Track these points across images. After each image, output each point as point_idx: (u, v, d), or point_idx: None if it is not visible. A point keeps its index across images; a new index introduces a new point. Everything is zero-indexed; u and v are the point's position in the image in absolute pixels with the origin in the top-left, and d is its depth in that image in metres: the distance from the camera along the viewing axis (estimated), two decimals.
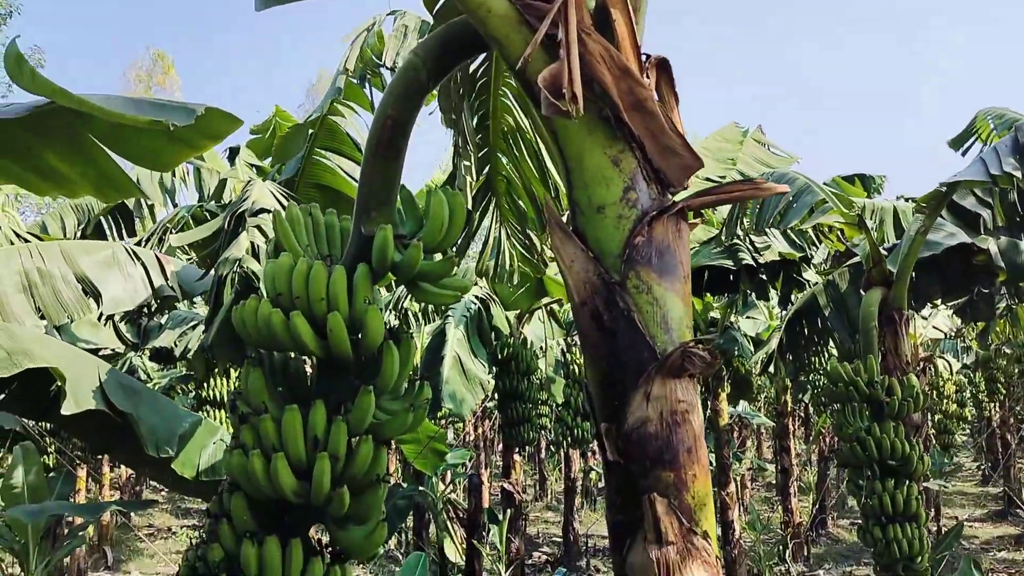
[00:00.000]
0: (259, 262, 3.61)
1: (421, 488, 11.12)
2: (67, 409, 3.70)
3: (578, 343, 10.24)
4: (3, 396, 4.01)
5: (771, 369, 6.44)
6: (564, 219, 1.78)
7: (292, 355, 1.92)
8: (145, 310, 6.56)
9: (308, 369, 1.97)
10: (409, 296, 8.40)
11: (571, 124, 1.69)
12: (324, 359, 1.80)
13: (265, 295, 1.79)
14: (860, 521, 4.65)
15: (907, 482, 4.39)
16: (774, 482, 20.37)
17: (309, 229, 1.90)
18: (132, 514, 18.03)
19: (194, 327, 8.32)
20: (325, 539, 1.88)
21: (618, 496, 1.62)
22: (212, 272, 4.00)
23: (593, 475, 16.74)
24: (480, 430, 19.27)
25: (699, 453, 1.62)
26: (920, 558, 4.36)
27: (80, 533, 7.66)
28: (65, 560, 10.60)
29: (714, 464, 8.92)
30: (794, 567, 10.53)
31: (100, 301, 4.49)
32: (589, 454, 18.57)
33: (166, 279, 4.84)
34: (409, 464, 13.25)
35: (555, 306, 9.05)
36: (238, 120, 1.99)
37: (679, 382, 1.62)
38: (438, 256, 1.87)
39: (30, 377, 4.15)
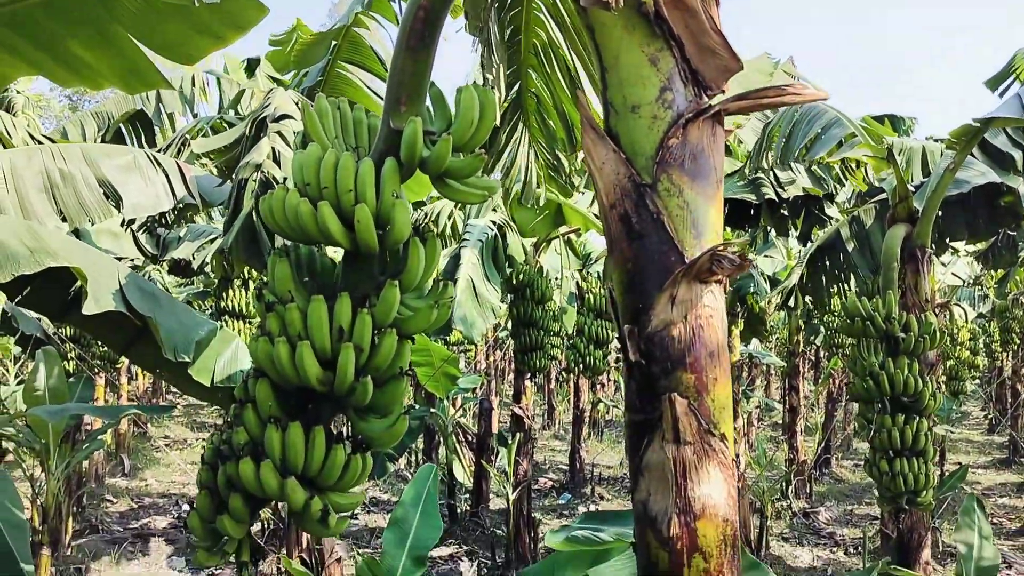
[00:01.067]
0: (280, 168, 3.60)
1: (432, 410, 11.31)
2: (88, 309, 3.74)
3: (593, 272, 10.23)
4: (25, 293, 4.07)
5: (790, 303, 6.43)
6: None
7: (318, 250, 1.92)
8: (165, 220, 6.59)
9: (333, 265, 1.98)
10: (428, 219, 8.39)
11: (609, 20, 1.65)
12: (350, 252, 1.80)
13: (292, 185, 1.78)
14: (865, 460, 4.69)
15: (917, 418, 4.41)
16: (780, 422, 20.57)
17: (337, 122, 1.88)
18: (149, 425, 18.47)
19: (212, 240, 8.35)
20: (347, 432, 1.91)
21: (638, 397, 1.63)
22: (232, 179, 3.98)
23: (601, 407, 16.96)
24: (491, 359, 19.45)
25: (721, 358, 1.62)
26: (924, 492, 4.40)
27: (99, 437, 7.85)
28: (84, 465, 10.91)
29: None
30: (796, 503, 10.70)
31: (121, 205, 4.50)
32: (599, 386, 18.78)
33: (187, 187, 4.83)
34: (421, 387, 13.45)
35: (573, 236, 9.02)
36: (264, 8, 1.95)
37: (705, 287, 1.61)
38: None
39: (52, 276, 4.19)
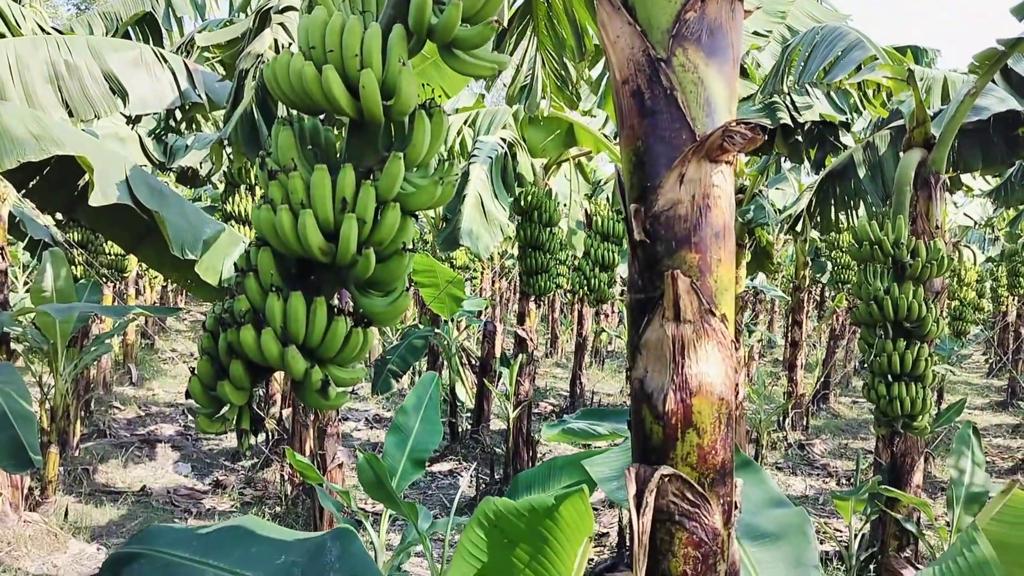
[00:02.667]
0: None
1: (437, 331, 11.39)
2: (95, 200, 3.73)
3: (602, 198, 10.16)
4: (33, 185, 4.06)
5: (798, 228, 6.38)
6: None
7: (322, 122, 1.89)
8: (172, 126, 6.52)
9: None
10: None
11: None
12: (355, 122, 1.77)
13: (297, 50, 1.74)
14: (864, 385, 4.72)
15: (918, 344, 4.42)
16: (781, 359, 20.71)
17: None
18: (156, 337, 18.69)
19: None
20: (348, 308, 1.91)
21: (640, 277, 1.62)
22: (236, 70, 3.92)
23: (604, 336, 17.06)
24: (496, 286, 19.51)
25: (726, 240, 1.60)
26: (920, 417, 4.44)
27: (107, 341, 7.94)
28: (92, 372, 11.07)
29: None
30: (792, 435, 10.84)
31: (126, 100, 4.45)
32: (603, 316, 18.86)
33: (193, 85, 4.77)
34: (426, 308, 13.52)
35: (583, 160, 8.92)
36: None
37: (715, 166, 1.58)
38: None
39: (60, 168, 4.18)
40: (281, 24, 3.60)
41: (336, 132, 1.97)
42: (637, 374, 1.61)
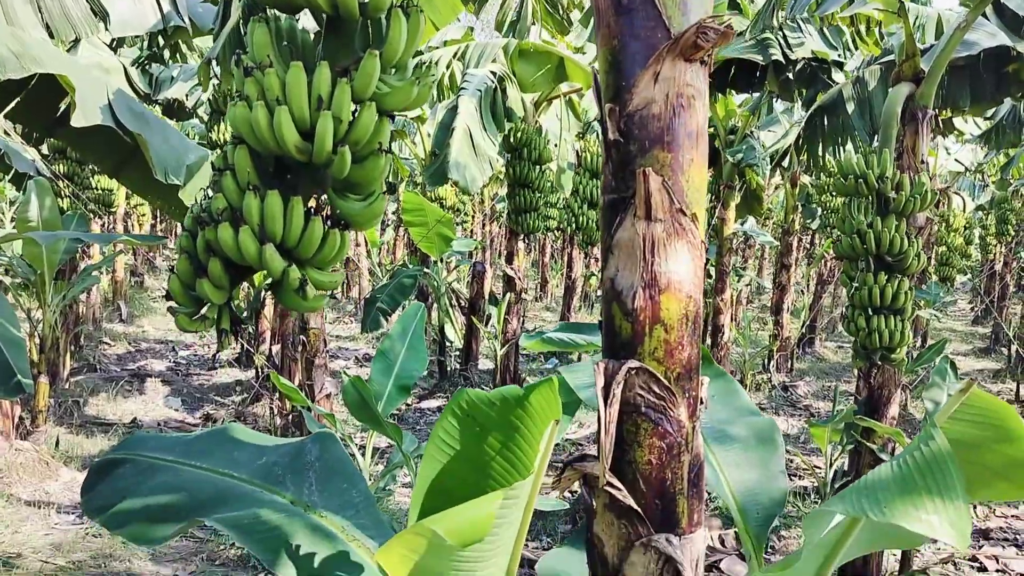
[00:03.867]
0: None
1: (426, 271, 11.41)
2: (76, 121, 3.70)
3: (591, 133, 10.10)
4: (14, 105, 4.01)
5: (785, 163, 6.38)
6: None
7: (299, 23, 1.88)
8: (157, 54, 6.43)
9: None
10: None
11: None
12: (331, 19, 1.77)
13: None
14: (843, 316, 4.78)
15: (899, 277, 4.47)
16: (769, 305, 20.86)
17: None
18: (145, 276, 18.66)
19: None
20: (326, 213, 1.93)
21: (614, 177, 1.63)
22: None
23: (593, 281, 17.13)
24: (487, 229, 19.48)
25: (700, 141, 1.61)
26: (898, 349, 4.52)
27: (94, 273, 7.94)
28: (81, 308, 11.08)
29: (713, 271, 9.07)
30: (776, 376, 10.99)
31: (108, 22, 4.38)
32: (593, 260, 18.91)
33: (176, 8, 4.69)
34: (416, 248, 13.51)
35: (574, 96, 8.85)
36: None
37: (690, 66, 1.59)
38: None
39: (40, 88, 4.12)
40: None
41: (312, 36, 1.96)
42: (608, 274, 1.64)
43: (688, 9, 1.59)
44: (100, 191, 9.96)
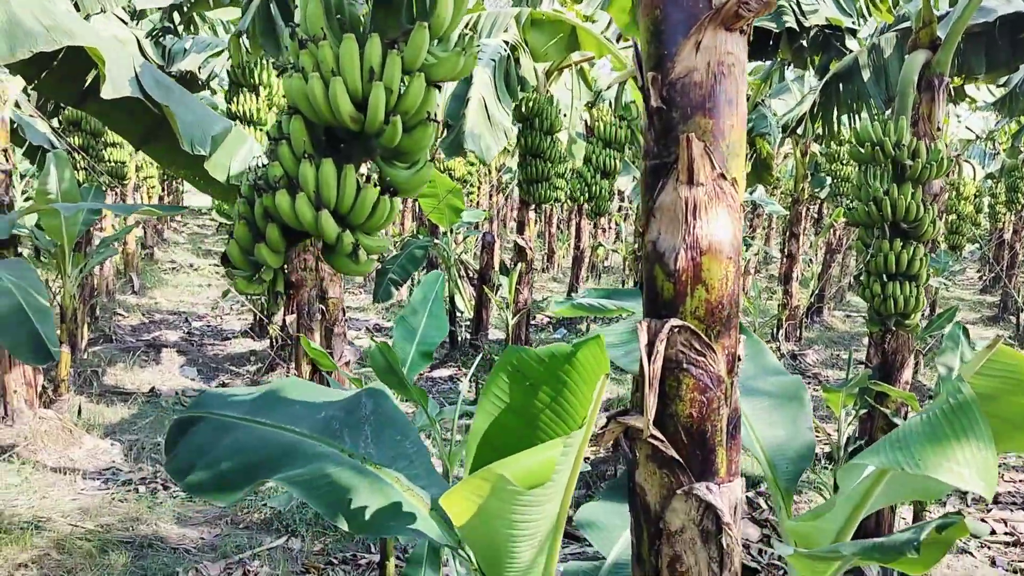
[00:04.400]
0: None
1: (436, 242, 11.48)
2: (106, 93, 3.76)
3: (602, 103, 10.11)
4: (43, 77, 4.08)
5: (799, 131, 6.42)
6: None
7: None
8: (172, 27, 6.46)
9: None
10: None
11: None
12: None
13: None
14: (857, 281, 4.85)
15: (915, 244, 4.54)
16: (776, 274, 20.90)
17: None
18: (155, 249, 18.76)
19: (218, 54, 8.22)
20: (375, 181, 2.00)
21: (656, 143, 1.70)
22: None
23: (600, 251, 17.19)
24: (494, 199, 19.50)
25: (739, 107, 1.68)
26: (913, 315, 4.60)
27: (111, 244, 8.04)
28: (95, 280, 11.20)
29: None
30: (785, 345, 11.09)
31: None
32: (600, 231, 18.94)
33: None
34: (425, 219, 13.55)
35: (585, 65, 8.85)
36: None
37: (730, 35, 1.65)
38: None
39: (69, 61, 4.19)
40: None
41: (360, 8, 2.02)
42: (650, 236, 1.71)
43: None
44: (112, 163, 10.03)
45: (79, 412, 7.87)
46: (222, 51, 8.22)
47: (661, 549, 1.71)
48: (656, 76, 1.68)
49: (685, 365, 1.66)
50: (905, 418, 4.97)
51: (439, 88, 1.87)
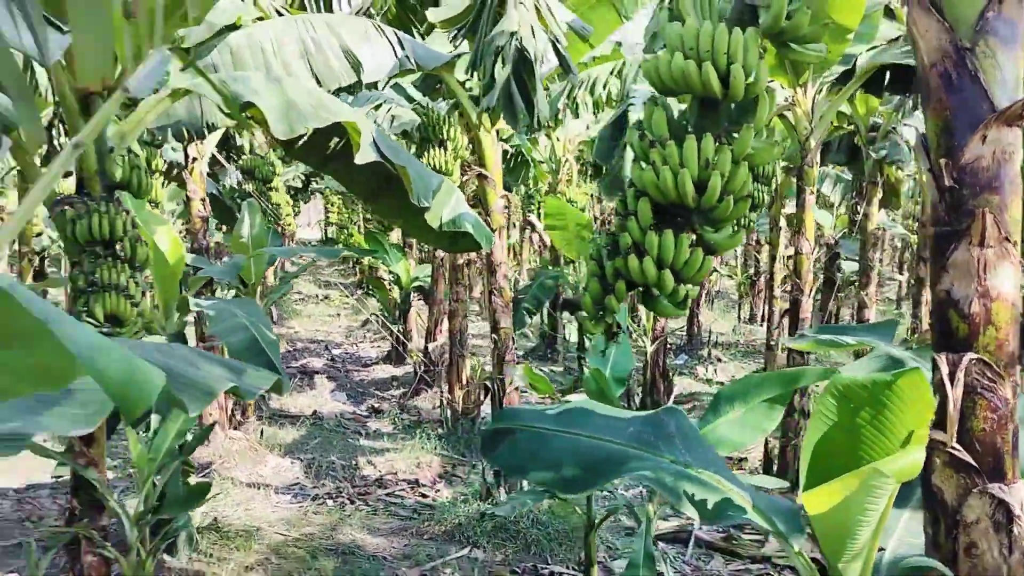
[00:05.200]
0: (534, 38, 4.11)
1: (565, 271, 12.01)
2: (360, 159, 4.43)
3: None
4: (298, 146, 4.78)
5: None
6: None
7: (672, 110, 2.47)
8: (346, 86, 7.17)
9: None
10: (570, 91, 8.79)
11: None
12: (708, 101, 2.35)
13: (670, 49, 2.31)
14: None
15: None
16: (893, 297, 20.73)
17: (695, 2, 2.39)
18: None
19: (377, 107, 9.01)
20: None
21: (947, 214, 2.16)
22: (475, 43, 4.51)
23: (714, 276, 17.45)
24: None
25: (1017, 185, 2.13)
26: None
27: (290, 281, 8.89)
28: None
29: (858, 266, 9.36)
30: None
31: (361, 71, 5.11)
32: (719, 261, 19.14)
33: (405, 52, 5.39)
34: (544, 251, 14.07)
35: None
36: None
37: (1011, 129, 2.11)
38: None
39: (317, 132, 4.89)
40: (535, 6, 4.16)
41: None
42: (943, 287, 2.17)
43: (1006, 86, 2.11)
44: (273, 205, 10.99)
45: (261, 434, 8.69)
46: (380, 104, 8.99)
47: (958, 537, 2.14)
48: (948, 162, 2.14)
49: (979, 390, 2.11)
50: None
51: (753, 172, 2.37)
